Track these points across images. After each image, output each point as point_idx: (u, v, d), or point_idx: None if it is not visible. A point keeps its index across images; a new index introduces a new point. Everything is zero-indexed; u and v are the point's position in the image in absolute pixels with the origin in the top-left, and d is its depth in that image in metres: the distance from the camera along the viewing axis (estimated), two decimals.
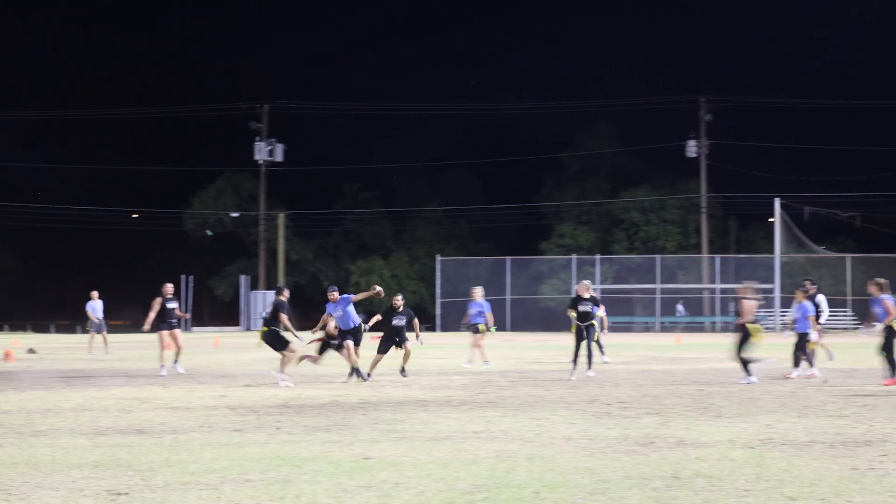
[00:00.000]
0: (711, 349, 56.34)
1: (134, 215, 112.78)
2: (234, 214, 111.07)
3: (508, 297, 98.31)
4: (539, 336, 78.54)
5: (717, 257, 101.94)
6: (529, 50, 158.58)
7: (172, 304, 38.87)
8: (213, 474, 16.09)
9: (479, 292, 41.68)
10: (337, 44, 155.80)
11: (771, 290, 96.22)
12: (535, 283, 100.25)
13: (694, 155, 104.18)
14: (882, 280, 31.91)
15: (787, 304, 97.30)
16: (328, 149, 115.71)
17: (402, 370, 35.09)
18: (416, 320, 35.09)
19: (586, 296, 34.71)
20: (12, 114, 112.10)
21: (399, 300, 35.43)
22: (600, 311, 37.35)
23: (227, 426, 22.36)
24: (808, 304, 34.62)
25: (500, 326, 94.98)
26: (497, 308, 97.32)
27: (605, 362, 36.77)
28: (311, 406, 26.42)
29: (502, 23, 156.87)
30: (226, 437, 20.51)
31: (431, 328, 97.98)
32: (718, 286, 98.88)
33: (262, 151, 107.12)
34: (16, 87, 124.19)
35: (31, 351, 55.81)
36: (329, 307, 34.03)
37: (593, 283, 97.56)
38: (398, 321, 34.94)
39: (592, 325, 32.77)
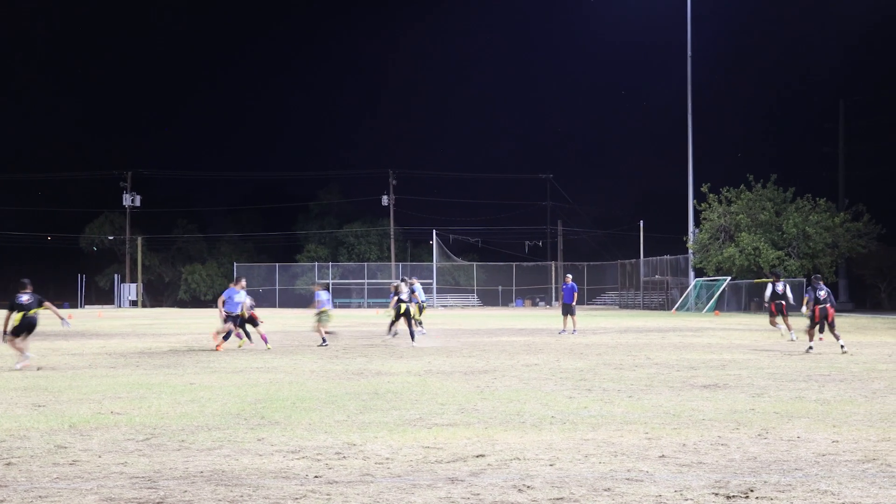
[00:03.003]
0: None
1: (48, 238, 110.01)
2: (111, 237, 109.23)
3: (277, 287, 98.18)
4: (295, 311, 77.79)
5: (401, 264, 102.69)
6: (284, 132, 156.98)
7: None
8: (98, 393, 15.75)
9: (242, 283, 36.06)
10: (171, 129, 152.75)
11: (430, 283, 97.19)
12: (293, 280, 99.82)
13: (386, 204, 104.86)
14: None
15: (442, 292, 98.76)
16: (168, 198, 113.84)
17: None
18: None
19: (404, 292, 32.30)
20: None
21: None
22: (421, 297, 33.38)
23: (106, 364, 21.90)
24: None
25: (272, 305, 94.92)
26: (270, 294, 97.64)
27: (423, 333, 33.03)
28: (157, 353, 25.98)
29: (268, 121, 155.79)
30: (105, 371, 20.08)
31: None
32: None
33: (128, 200, 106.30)
34: None
35: None
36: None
37: (326, 279, 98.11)
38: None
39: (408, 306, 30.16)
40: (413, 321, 29.48)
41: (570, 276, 37.01)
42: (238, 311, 27.40)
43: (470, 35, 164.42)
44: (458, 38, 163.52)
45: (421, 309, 32.98)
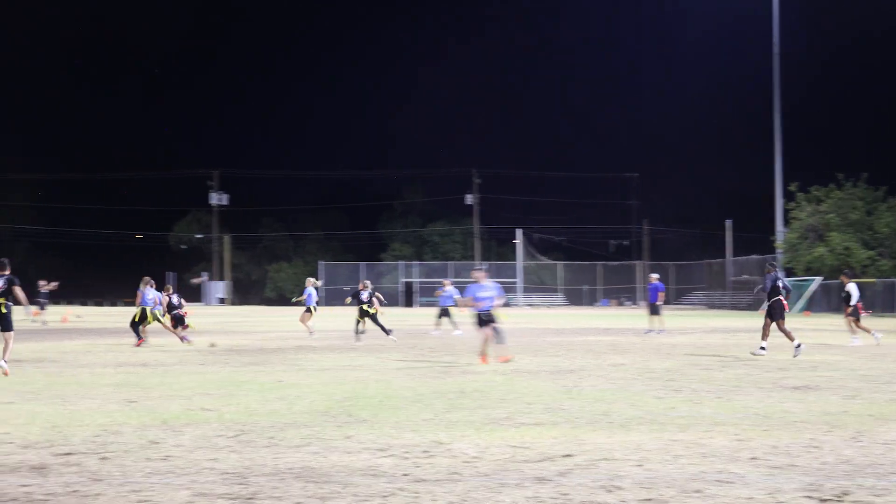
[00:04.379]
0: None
1: (138, 236, 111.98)
2: (199, 236, 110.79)
3: None
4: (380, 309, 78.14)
5: (485, 263, 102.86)
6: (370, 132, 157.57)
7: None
8: (188, 390, 15.96)
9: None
10: (257, 128, 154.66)
11: (515, 283, 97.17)
12: (378, 278, 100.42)
13: (470, 203, 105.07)
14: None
15: (527, 291, 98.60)
16: (254, 197, 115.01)
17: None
18: None
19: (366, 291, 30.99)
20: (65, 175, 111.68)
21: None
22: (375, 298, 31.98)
23: (196, 361, 22.17)
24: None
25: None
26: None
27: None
28: (246, 350, 26.25)
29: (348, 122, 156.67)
30: (195, 368, 20.34)
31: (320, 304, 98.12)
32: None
33: (215, 198, 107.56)
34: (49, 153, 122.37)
35: (79, 316, 54.92)
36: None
37: (413, 278, 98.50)
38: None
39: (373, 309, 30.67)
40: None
41: (655, 275, 36.62)
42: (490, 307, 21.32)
43: (555, 34, 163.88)
44: (543, 37, 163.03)
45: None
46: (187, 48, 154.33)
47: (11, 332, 18.85)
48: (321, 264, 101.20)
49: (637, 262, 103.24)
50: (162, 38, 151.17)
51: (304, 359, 22.96)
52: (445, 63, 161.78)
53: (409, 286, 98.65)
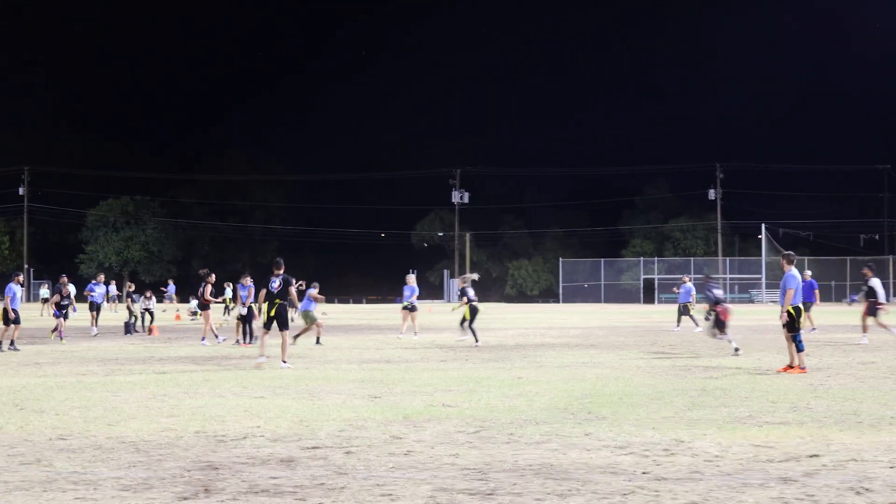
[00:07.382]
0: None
1: (382, 234, 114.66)
2: (440, 234, 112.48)
3: (602, 282, 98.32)
4: (620, 306, 77.68)
5: (727, 259, 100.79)
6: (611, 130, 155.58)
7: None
8: (429, 386, 16.24)
9: (412, 278, 31.82)
10: (494, 126, 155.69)
11: (759, 279, 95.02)
12: (618, 275, 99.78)
13: (712, 198, 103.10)
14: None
15: (771, 287, 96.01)
16: (495, 196, 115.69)
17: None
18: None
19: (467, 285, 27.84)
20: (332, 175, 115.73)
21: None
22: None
23: (437, 358, 22.54)
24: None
25: (597, 300, 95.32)
26: (595, 290, 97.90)
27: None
28: (486, 347, 26.50)
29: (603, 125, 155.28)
30: (436, 365, 20.68)
31: (557, 302, 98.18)
32: (728, 276, 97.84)
33: (456, 197, 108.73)
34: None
35: (324, 314, 56.61)
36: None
37: (653, 275, 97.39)
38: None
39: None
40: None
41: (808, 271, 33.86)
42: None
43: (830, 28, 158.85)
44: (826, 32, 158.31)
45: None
46: (441, 54, 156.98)
47: (287, 331, 20.31)
48: (561, 261, 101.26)
49: (889, 257, 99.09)
50: (417, 42, 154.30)
51: (543, 356, 23.04)
52: (690, 58, 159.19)
53: (648, 283, 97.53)
